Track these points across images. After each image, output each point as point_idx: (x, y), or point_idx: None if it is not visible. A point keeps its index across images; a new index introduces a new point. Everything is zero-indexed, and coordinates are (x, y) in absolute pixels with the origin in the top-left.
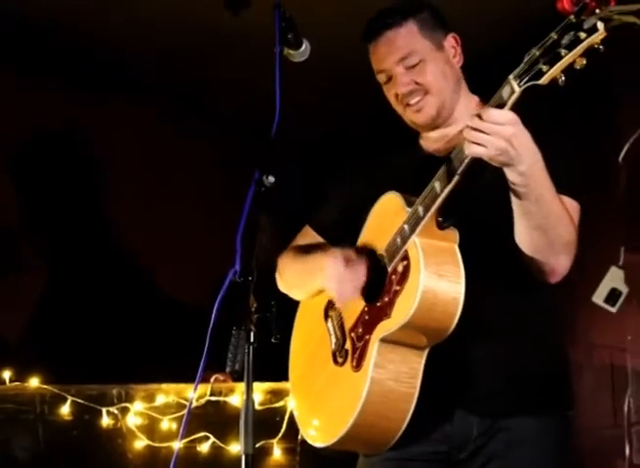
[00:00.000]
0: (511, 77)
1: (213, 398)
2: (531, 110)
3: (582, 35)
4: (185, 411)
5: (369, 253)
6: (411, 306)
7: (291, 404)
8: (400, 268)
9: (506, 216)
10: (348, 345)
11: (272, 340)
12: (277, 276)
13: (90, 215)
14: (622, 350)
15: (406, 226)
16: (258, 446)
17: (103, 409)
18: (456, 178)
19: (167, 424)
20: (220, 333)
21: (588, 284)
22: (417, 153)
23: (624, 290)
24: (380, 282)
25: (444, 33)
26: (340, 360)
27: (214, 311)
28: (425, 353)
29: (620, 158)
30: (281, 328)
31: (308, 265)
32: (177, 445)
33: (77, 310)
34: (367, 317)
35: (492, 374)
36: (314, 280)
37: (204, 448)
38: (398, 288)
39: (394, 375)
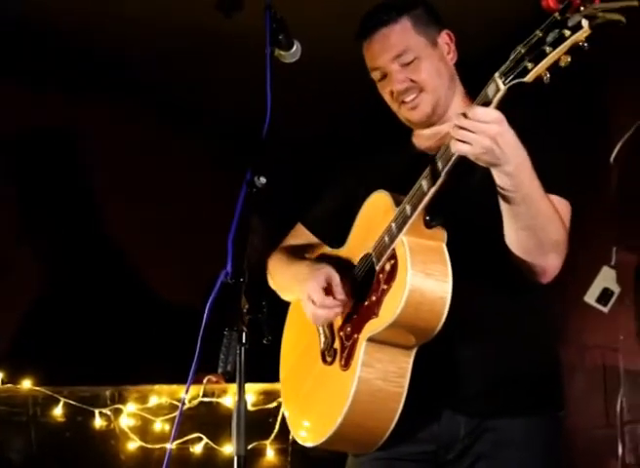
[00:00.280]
0: (497, 75)
1: (205, 399)
2: (515, 109)
3: (567, 33)
4: (177, 413)
5: (354, 261)
6: (398, 305)
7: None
8: (388, 267)
9: (495, 216)
10: (337, 344)
11: (264, 341)
12: (268, 276)
13: (83, 217)
14: (615, 350)
15: (394, 225)
16: (250, 447)
17: (96, 411)
18: (442, 177)
19: (160, 425)
20: (212, 335)
21: (580, 284)
22: (409, 151)
23: (616, 289)
24: (369, 280)
25: (438, 30)
26: (328, 359)
27: (205, 312)
28: (414, 352)
29: (612, 158)
30: (273, 329)
31: (295, 273)
32: (169, 446)
33: (70, 311)
34: (355, 316)
35: (480, 374)
36: (299, 289)
37: (197, 449)
38: (386, 287)
39: (382, 375)
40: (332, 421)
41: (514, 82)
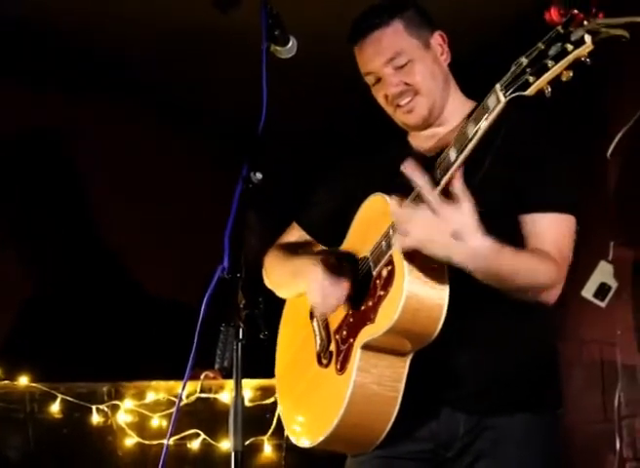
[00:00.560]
0: (498, 87)
1: (203, 395)
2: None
3: (570, 47)
4: (175, 409)
5: (353, 258)
6: (394, 312)
7: None
8: (385, 273)
9: (495, 224)
10: (333, 347)
11: (261, 337)
12: (263, 273)
13: (80, 215)
14: (612, 345)
15: (391, 231)
16: (248, 442)
17: (93, 407)
18: (440, 187)
19: (157, 421)
20: (209, 330)
21: (578, 279)
22: (406, 152)
23: (614, 284)
24: (366, 285)
25: (430, 31)
26: (324, 361)
27: (202, 308)
28: (410, 357)
29: (609, 153)
30: (269, 324)
31: (293, 268)
32: (166, 442)
33: (67, 308)
34: (351, 320)
35: (478, 373)
36: (297, 283)
37: (194, 445)
38: (382, 293)
39: (378, 379)
40: (327, 424)
41: (515, 95)
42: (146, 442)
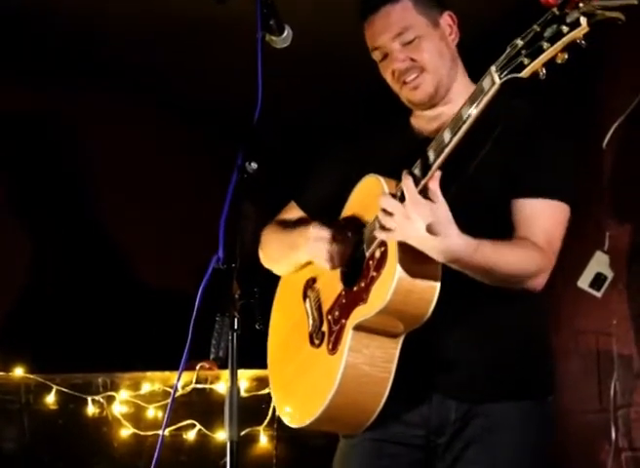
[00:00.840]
0: (493, 68)
1: (199, 386)
2: (513, 100)
3: (565, 29)
4: (170, 399)
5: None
6: (387, 293)
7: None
8: (377, 254)
9: (487, 207)
10: (325, 328)
11: (256, 327)
12: (260, 250)
13: (72, 205)
14: (608, 334)
15: (376, 224)
16: (243, 433)
17: (89, 398)
18: (433, 169)
19: (153, 412)
20: (204, 321)
21: (573, 269)
22: (407, 134)
23: (609, 274)
24: (359, 266)
25: (440, 11)
26: (316, 341)
27: (197, 298)
28: (402, 338)
29: (604, 143)
30: (264, 314)
31: (292, 237)
32: (161, 433)
33: (62, 299)
34: (344, 301)
35: (470, 360)
36: (298, 252)
37: (190, 435)
38: (375, 274)
39: (369, 360)
40: (318, 404)
41: (509, 77)
42: (142, 433)
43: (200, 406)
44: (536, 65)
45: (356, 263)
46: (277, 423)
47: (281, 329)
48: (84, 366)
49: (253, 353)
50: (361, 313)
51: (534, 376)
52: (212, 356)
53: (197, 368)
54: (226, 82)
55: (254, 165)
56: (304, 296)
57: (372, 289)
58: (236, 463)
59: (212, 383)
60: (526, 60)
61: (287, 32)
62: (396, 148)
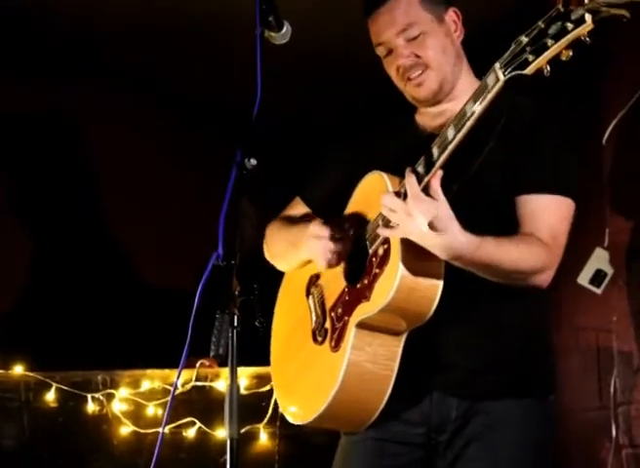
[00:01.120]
0: (497, 65)
1: (198, 383)
2: (517, 97)
3: (570, 26)
4: (170, 397)
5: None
6: (390, 290)
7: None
8: (381, 251)
9: (491, 204)
10: (328, 325)
11: (256, 324)
12: (264, 245)
13: (72, 204)
14: (608, 331)
15: (380, 221)
16: (244, 430)
17: (89, 396)
18: (436, 166)
19: (152, 410)
20: (204, 318)
21: (573, 265)
22: (412, 130)
23: (609, 271)
24: (362, 263)
25: (445, 7)
26: (319, 338)
27: (197, 295)
28: (404, 336)
29: (604, 140)
30: (265, 311)
31: (294, 235)
32: (161, 430)
33: (61, 297)
34: (347, 298)
35: (470, 358)
36: (299, 250)
37: (190, 433)
38: (378, 271)
39: (372, 358)
40: (320, 402)
41: (513, 73)
42: (142, 430)
43: (200, 403)
44: (540, 62)
45: (360, 260)
46: (280, 420)
47: (284, 325)
48: (84, 363)
49: (253, 350)
50: (364, 310)
51: (535, 374)
52: (212, 353)
53: (197, 365)
54: (226, 80)
55: (253, 161)
56: (308, 293)
57: (375, 286)
58: (236, 461)
59: (212, 381)
60: (530, 57)
61: (286, 28)
62: (401, 145)
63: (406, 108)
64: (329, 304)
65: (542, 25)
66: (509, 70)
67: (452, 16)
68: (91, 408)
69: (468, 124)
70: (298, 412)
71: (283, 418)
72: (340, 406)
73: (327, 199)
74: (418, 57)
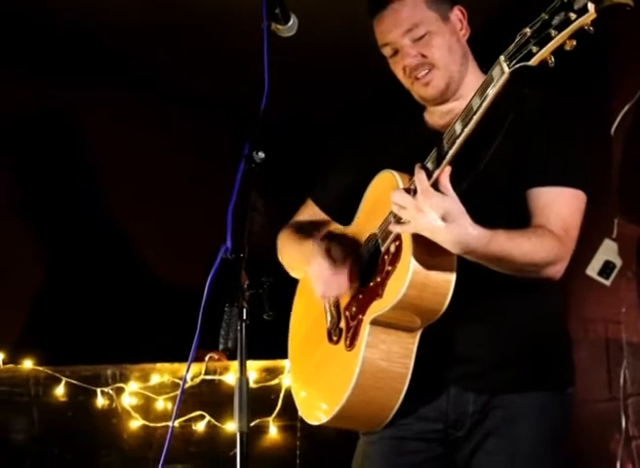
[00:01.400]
0: (502, 58)
1: (208, 377)
2: (524, 89)
3: (573, 16)
4: (179, 391)
5: (360, 239)
6: (402, 286)
7: (286, 381)
8: (392, 248)
9: (501, 199)
10: (342, 324)
11: (265, 317)
12: (278, 252)
13: (80, 200)
14: (617, 322)
15: (392, 217)
16: (253, 424)
17: (98, 390)
18: (446, 160)
19: (162, 404)
20: (213, 312)
21: (582, 257)
22: (421, 129)
23: (618, 262)
24: (375, 261)
25: (450, 5)
26: (334, 338)
27: (206, 289)
28: (419, 333)
29: (612, 131)
30: (273, 304)
31: (300, 254)
32: (171, 424)
33: (71, 291)
34: (361, 296)
35: (486, 352)
36: (305, 265)
37: (199, 427)
38: (390, 268)
39: (386, 355)
40: (336, 401)
41: (518, 65)
42: (151, 424)
43: (209, 397)
44: (544, 53)
45: (372, 260)
46: (300, 420)
47: (301, 326)
48: (93, 357)
49: (262, 343)
50: (377, 308)
51: (552, 367)
52: (221, 347)
53: (206, 359)
54: (233, 74)
55: (261, 154)
56: None
57: (387, 283)
58: (246, 454)
59: (221, 374)
60: (534, 49)
61: (292, 21)
62: (410, 143)
63: (415, 107)
64: (343, 304)
65: (546, 17)
66: (514, 62)
67: (457, 14)
68: (100, 402)
69: (475, 118)
70: (314, 414)
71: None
72: (355, 405)
73: (338, 200)
74: (424, 56)
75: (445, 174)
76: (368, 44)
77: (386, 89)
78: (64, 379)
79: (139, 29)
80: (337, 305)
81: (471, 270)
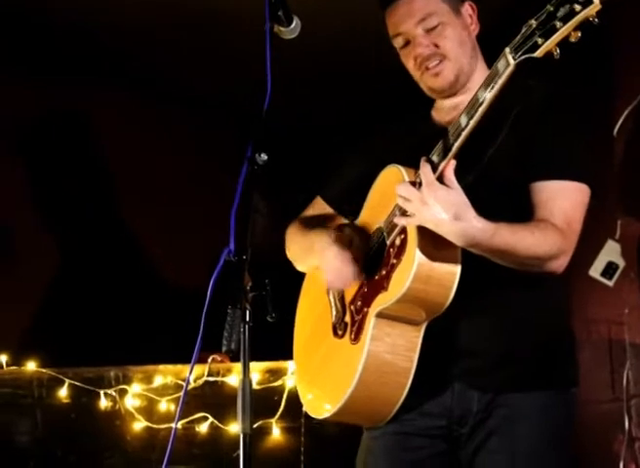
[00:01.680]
0: (507, 50)
1: (211, 378)
2: (529, 81)
3: (577, 7)
4: (182, 392)
5: (368, 232)
6: (406, 279)
7: (289, 382)
8: (398, 242)
9: (505, 192)
10: (348, 318)
11: (268, 319)
12: (285, 246)
13: (84, 202)
14: (620, 323)
15: (397, 211)
16: (256, 425)
17: (101, 392)
18: (452, 152)
19: (165, 405)
20: (216, 313)
21: (585, 258)
22: (428, 125)
23: (621, 263)
24: (380, 254)
25: (461, 0)
26: (339, 332)
27: (209, 291)
28: (424, 326)
29: (615, 131)
30: (277, 306)
31: (309, 244)
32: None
33: (74, 293)
34: (366, 290)
35: (491, 348)
36: (313, 258)
37: (202, 428)
38: (395, 261)
39: (391, 348)
40: (340, 395)
41: (524, 57)
42: (154, 426)
43: (212, 398)
44: (549, 45)
45: (378, 253)
46: (304, 417)
47: (306, 321)
48: (96, 359)
49: (265, 345)
50: (382, 300)
51: (558, 367)
52: (224, 348)
53: (209, 360)
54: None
55: (264, 156)
56: (328, 288)
57: (392, 276)
58: (249, 456)
59: (224, 376)
60: (540, 40)
61: (295, 23)
62: (416, 139)
63: (422, 104)
64: (348, 298)
65: (551, 8)
66: (519, 54)
67: (468, 9)
68: (103, 403)
69: (481, 110)
70: (318, 407)
71: (306, 413)
72: (359, 399)
73: (347, 196)
74: (436, 46)
75: (450, 167)
76: (369, 44)
77: (387, 89)
78: (68, 381)
79: (139, 29)
80: (342, 299)
81: (476, 263)
